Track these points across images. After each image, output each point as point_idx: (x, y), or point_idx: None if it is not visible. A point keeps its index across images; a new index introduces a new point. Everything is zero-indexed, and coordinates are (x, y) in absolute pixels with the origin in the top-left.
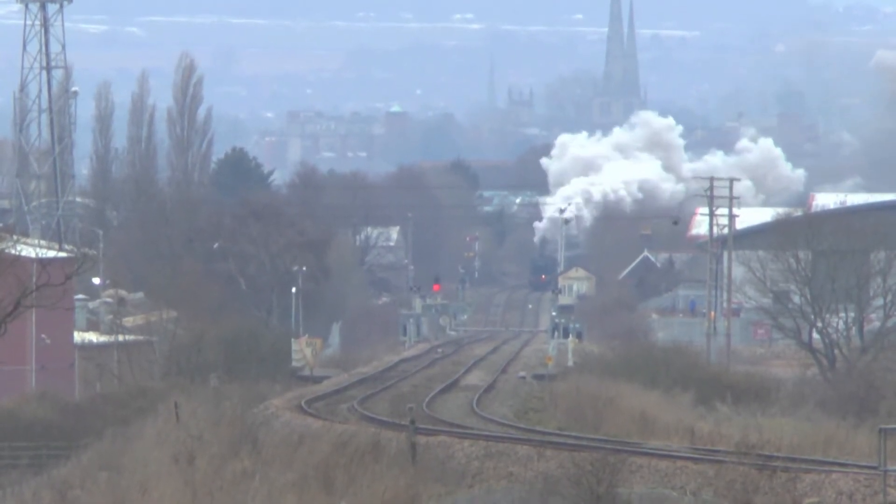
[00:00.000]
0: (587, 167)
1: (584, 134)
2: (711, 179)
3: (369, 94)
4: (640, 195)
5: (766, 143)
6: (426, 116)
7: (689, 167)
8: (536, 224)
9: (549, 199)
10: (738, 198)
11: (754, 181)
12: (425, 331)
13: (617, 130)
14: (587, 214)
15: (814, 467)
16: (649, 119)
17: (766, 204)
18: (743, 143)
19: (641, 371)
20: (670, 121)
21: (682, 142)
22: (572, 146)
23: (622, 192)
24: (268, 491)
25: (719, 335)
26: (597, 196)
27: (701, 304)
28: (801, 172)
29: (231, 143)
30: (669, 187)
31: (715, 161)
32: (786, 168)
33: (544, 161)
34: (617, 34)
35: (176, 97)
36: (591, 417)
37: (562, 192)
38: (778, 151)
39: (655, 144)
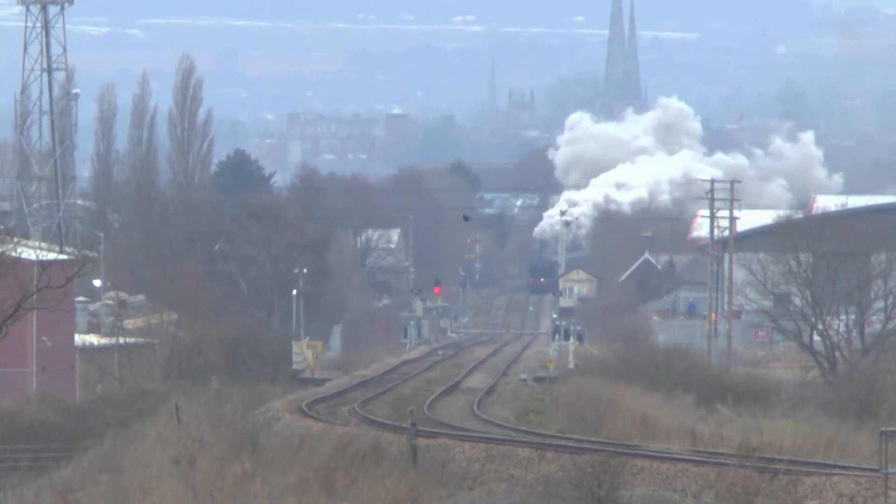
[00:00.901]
0: (618, 151)
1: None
2: (712, 181)
3: (370, 95)
4: (678, 193)
5: (807, 137)
6: (427, 118)
7: (713, 161)
8: (550, 212)
9: (574, 194)
10: (739, 200)
11: (790, 182)
12: (426, 333)
13: (630, 112)
14: (623, 207)
15: (815, 470)
16: (668, 104)
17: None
18: (778, 142)
19: (642, 373)
20: (687, 108)
21: (699, 126)
22: (587, 124)
23: (664, 187)
24: (268, 493)
25: (720, 337)
26: (641, 188)
27: (700, 305)
28: (838, 178)
29: (231, 145)
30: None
31: (741, 159)
32: (821, 173)
33: (551, 152)
34: (618, 36)
35: (176, 99)
36: (592, 420)
37: (596, 182)
38: (817, 153)
39: (670, 130)
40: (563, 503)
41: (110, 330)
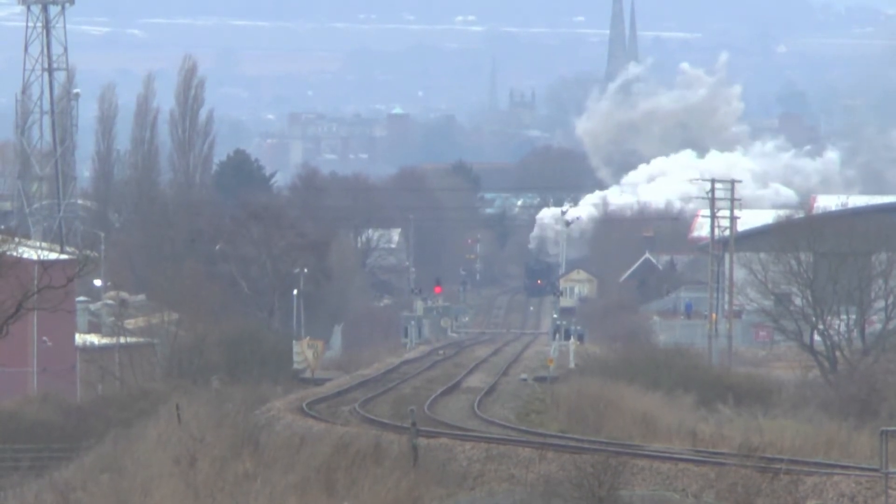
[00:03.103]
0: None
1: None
2: (713, 181)
3: (371, 95)
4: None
5: None
6: (427, 118)
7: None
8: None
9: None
10: (739, 199)
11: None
12: (427, 333)
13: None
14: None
15: (815, 470)
16: (719, 60)
17: None
18: (870, 131)
19: (643, 373)
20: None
21: (739, 89)
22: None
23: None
24: (269, 493)
25: (721, 337)
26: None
27: (699, 305)
28: None
29: (232, 145)
30: (800, 182)
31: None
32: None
33: (578, 122)
34: (618, 36)
35: (178, 99)
36: (593, 419)
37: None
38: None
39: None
40: (564, 503)
41: (111, 330)
